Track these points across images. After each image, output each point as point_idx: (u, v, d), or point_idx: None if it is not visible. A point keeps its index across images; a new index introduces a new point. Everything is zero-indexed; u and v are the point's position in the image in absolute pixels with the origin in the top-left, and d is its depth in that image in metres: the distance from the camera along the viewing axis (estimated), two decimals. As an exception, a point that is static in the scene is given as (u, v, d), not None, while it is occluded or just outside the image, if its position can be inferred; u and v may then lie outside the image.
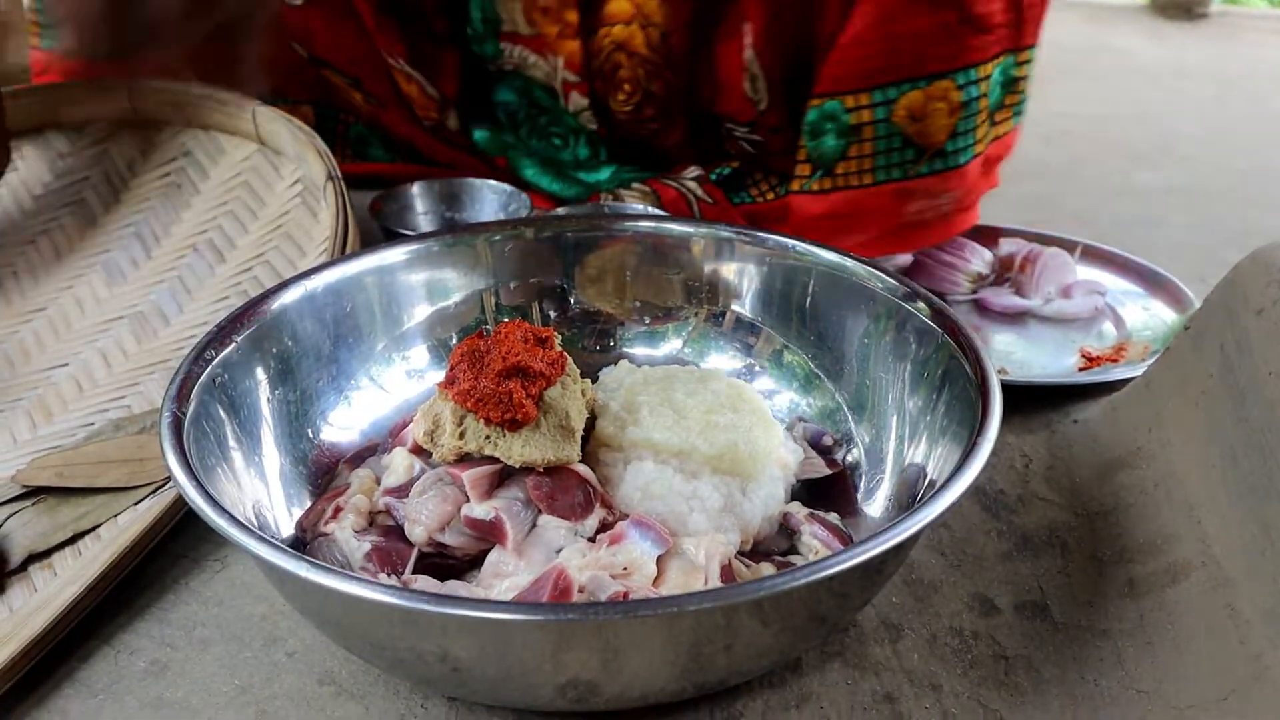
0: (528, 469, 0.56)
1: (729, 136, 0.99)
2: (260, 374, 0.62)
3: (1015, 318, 0.90)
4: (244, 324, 0.62)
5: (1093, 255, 0.96)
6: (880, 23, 0.79)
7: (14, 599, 0.59)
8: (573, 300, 0.76)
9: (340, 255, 0.74)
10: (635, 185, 1.01)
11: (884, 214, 0.85)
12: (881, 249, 0.90)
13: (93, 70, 1.04)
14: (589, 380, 0.63)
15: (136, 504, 0.63)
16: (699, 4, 0.93)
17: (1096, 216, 1.17)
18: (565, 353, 0.60)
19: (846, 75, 0.81)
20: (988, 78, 0.82)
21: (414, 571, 0.56)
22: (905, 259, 0.95)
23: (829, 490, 0.65)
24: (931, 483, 0.58)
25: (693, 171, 1.01)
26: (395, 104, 1.07)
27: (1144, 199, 1.23)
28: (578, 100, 1.02)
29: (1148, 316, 0.89)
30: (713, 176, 1.00)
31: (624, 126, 1.02)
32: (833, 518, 0.61)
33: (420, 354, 0.72)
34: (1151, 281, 0.93)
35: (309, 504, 0.61)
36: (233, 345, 0.60)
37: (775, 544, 0.61)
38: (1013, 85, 0.87)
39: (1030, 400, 0.78)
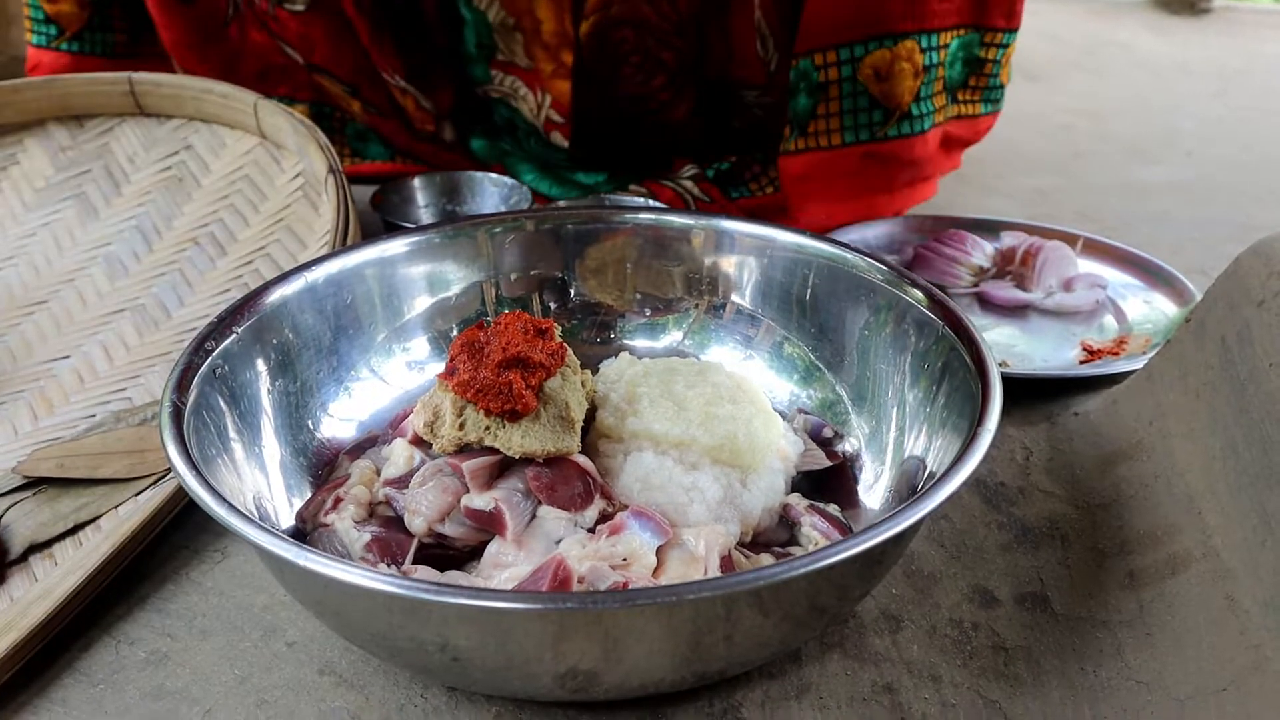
0: (528, 460, 0.57)
1: (740, 105, 0.98)
2: (261, 365, 0.62)
3: (1016, 311, 0.90)
4: (244, 315, 0.62)
5: (1094, 249, 0.96)
6: None
7: (15, 588, 0.59)
8: (573, 292, 0.76)
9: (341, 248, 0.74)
10: (632, 187, 1.01)
11: (851, 176, 0.86)
12: (847, 214, 0.91)
13: (81, 64, 1.04)
14: (589, 371, 0.63)
15: (137, 495, 0.64)
16: None
17: (1098, 210, 1.17)
18: (565, 344, 0.60)
19: (818, 31, 0.82)
20: (946, 46, 0.84)
21: (414, 562, 0.56)
22: (907, 252, 0.95)
23: (829, 482, 0.65)
24: (931, 474, 0.58)
25: (689, 170, 1.01)
26: (392, 114, 1.07)
27: (1146, 193, 1.23)
28: (559, 140, 1.02)
29: (1149, 310, 0.89)
30: (709, 173, 1.00)
31: (615, 131, 1.02)
32: (833, 509, 0.61)
33: (421, 345, 0.72)
34: (1153, 275, 0.93)
35: (309, 495, 0.61)
36: (233, 336, 0.61)
37: (775, 535, 0.61)
38: (979, 66, 0.88)
39: (1031, 393, 0.78)
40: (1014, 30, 0.89)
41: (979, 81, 0.89)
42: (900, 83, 0.83)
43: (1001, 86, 0.91)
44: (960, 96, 0.89)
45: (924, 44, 0.82)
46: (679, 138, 1.03)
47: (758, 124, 0.99)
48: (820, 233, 0.71)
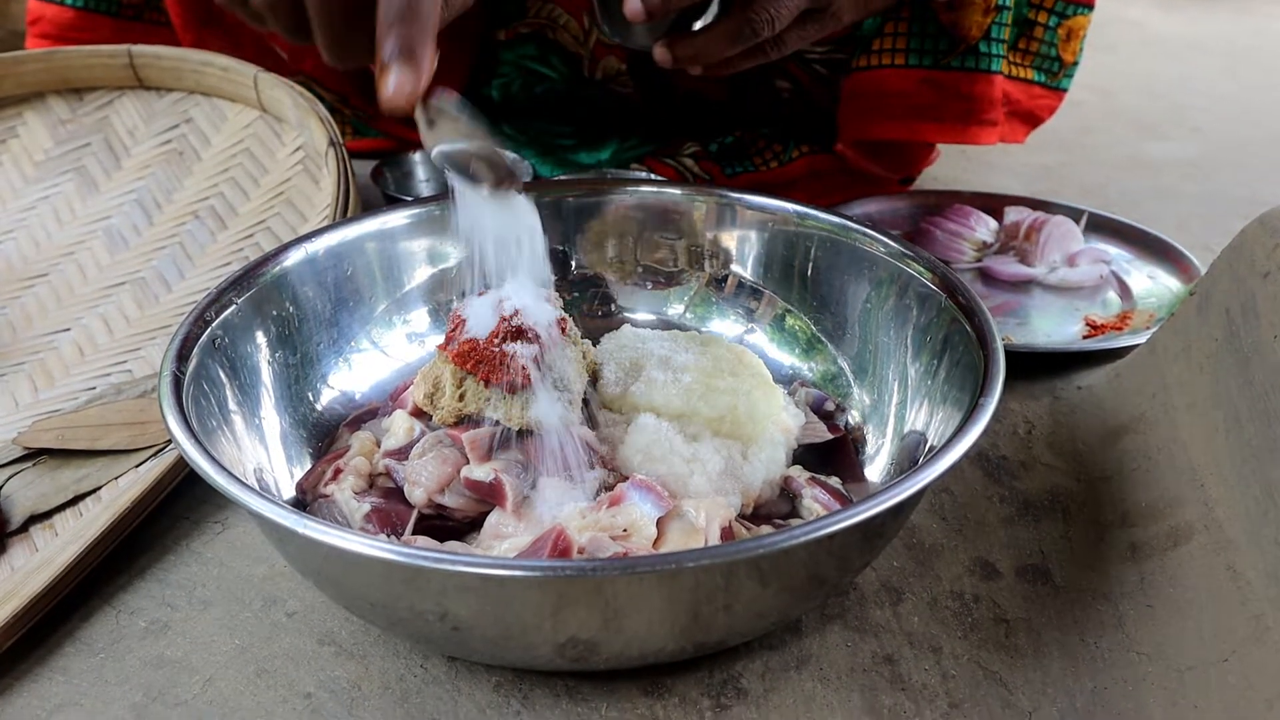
0: (528, 431, 0.56)
1: (794, 63, 0.96)
2: (260, 337, 0.62)
3: (1020, 286, 0.89)
4: (244, 286, 0.62)
5: (1099, 224, 0.95)
6: None
7: (15, 558, 0.59)
8: (574, 265, 0.75)
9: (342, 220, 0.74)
10: (633, 166, 1.00)
11: (905, 96, 0.86)
12: (893, 132, 0.90)
13: (85, 20, 1.03)
14: (589, 342, 0.63)
15: (137, 466, 0.63)
16: None
17: (1104, 187, 1.16)
18: (565, 315, 0.60)
19: None
20: None
21: (414, 533, 0.56)
22: (910, 226, 0.95)
23: (831, 455, 0.64)
24: (932, 448, 0.58)
25: (690, 147, 1.00)
26: (382, 117, 1.07)
27: (1152, 170, 1.22)
28: (611, 65, 0.99)
29: (1153, 285, 0.89)
30: (712, 148, 0.99)
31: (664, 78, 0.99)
32: (834, 482, 0.61)
33: (421, 317, 0.71)
34: (1158, 250, 0.92)
35: (309, 466, 0.61)
36: (233, 307, 0.60)
37: (777, 508, 0.61)
38: (1029, 28, 0.87)
39: (1034, 367, 0.77)
40: (1071, 1, 0.88)
41: (1029, 46, 0.89)
42: (969, 16, 0.82)
43: (1058, 59, 0.90)
44: (1012, 57, 0.88)
45: None
46: (711, 88, 1.01)
47: (804, 88, 0.97)
48: (827, 206, 0.71)
